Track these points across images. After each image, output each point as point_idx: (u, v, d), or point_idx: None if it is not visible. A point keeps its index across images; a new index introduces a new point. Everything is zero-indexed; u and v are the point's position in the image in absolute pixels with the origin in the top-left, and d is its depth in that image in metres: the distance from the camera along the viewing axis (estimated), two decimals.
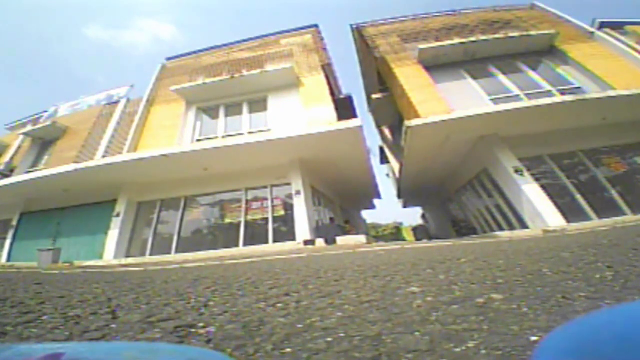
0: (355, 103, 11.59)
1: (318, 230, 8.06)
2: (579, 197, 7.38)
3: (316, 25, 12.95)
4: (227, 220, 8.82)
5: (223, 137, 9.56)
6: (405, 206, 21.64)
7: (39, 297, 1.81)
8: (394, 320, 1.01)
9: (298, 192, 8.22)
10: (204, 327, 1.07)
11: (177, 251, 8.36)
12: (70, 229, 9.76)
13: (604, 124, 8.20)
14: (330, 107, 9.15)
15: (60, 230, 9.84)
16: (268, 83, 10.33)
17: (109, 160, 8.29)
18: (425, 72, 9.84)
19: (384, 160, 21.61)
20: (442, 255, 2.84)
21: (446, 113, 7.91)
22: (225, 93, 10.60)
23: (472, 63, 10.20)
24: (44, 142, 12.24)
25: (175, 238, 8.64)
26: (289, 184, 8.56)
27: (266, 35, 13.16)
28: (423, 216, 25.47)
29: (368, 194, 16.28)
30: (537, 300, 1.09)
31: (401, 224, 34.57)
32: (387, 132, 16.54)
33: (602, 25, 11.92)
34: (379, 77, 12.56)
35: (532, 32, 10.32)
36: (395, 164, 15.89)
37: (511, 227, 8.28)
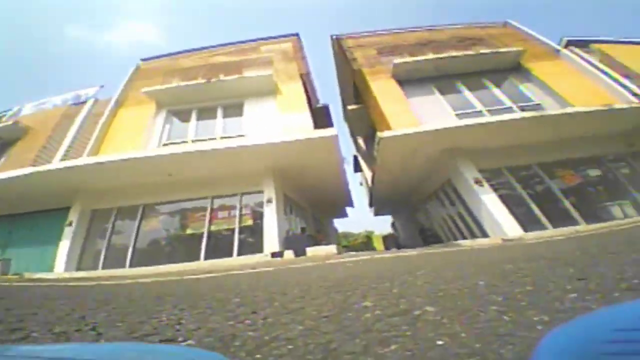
0: (332, 112, 11.90)
1: (288, 241, 7.91)
2: (534, 207, 8.03)
3: (297, 34, 13.21)
4: (189, 231, 8.37)
5: (193, 141, 9.32)
6: (376, 214, 22.15)
7: (10, 313, 1.82)
8: (343, 330, 1.22)
9: (270, 200, 8.09)
10: (184, 341, 1.22)
11: (131, 264, 7.84)
12: (21, 238, 9.12)
13: (560, 138, 8.89)
14: (307, 115, 9.34)
15: (12, 239, 9.16)
16: (245, 89, 10.34)
17: (67, 163, 7.83)
18: (398, 86, 10.36)
19: (357, 168, 22.20)
20: (405, 267, 3.13)
21: (415, 126, 8.41)
22: (199, 97, 10.44)
23: (442, 79, 10.85)
24: (4, 142, 11.35)
25: (130, 250, 8.12)
26: (260, 192, 8.43)
27: (247, 41, 13.24)
28: (393, 225, 26.12)
29: (341, 202, 16.58)
30: (457, 311, 1.35)
31: (372, 232, 35.24)
32: (361, 141, 17.05)
33: (569, 43, 12.76)
34: (354, 88, 13.00)
35: (501, 50, 11.00)
36: (368, 173, 16.30)
37: (473, 236, 8.87)
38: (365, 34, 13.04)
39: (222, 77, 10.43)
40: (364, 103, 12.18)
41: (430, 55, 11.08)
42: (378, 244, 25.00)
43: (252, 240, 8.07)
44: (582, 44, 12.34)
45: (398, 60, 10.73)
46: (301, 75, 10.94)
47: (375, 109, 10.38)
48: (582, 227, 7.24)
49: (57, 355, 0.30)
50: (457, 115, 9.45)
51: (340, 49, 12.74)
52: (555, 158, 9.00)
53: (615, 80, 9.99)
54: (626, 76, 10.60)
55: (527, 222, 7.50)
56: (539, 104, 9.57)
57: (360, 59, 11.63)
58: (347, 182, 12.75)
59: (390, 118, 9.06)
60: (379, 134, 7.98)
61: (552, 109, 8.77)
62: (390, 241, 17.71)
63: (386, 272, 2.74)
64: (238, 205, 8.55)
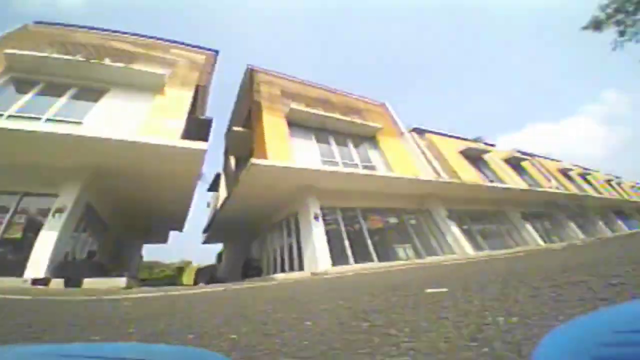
0: (214, 126, 10.88)
1: (63, 266, 6.63)
2: (346, 243, 9.95)
3: (216, 51, 13.29)
4: None
5: (9, 117, 7.52)
6: (206, 242, 19.53)
7: None
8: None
9: (60, 210, 6.61)
10: None
11: None
12: None
13: (380, 192, 11.90)
14: (181, 122, 8.86)
15: None
16: (123, 79, 9.47)
17: None
18: (287, 126, 11.86)
19: (213, 188, 20.76)
20: (175, 308, 3.25)
21: (288, 161, 9.83)
22: (59, 71, 9.02)
23: (321, 131, 13.11)
24: None
25: None
26: (54, 195, 6.90)
27: (161, 39, 12.60)
28: (219, 255, 23.79)
29: (169, 224, 14.93)
30: (149, 335, 2.26)
31: (189, 263, 31.44)
32: (232, 160, 17.22)
33: (413, 130, 17.39)
34: (248, 113, 13.87)
35: (368, 123, 14.39)
36: (223, 194, 15.95)
37: (292, 269, 10.10)
38: (278, 74, 14.29)
39: (107, 61, 9.57)
40: (251, 129, 13.06)
41: (321, 112, 13.27)
42: (189, 279, 22.27)
43: (12, 258, 6.58)
44: (421, 132, 17.49)
45: (295, 106, 12.38)
46: (197, 87, 11.08)
47: (259, 138, 11.33)
48: (375, 264, 9.46)
49: (55, 355, 0.30)
50: (322, 161, 11.61)
51: (250, 79, 13.50)
52: (371, 205, 11.90)
53: (428, 160, 14.76)
54: (436, 158, 15.54)
55: (338, 256, 9.30)
56: (374, 166, 12.89)
57: (264, 92, 12.66)
58: (191, 202, 11.94)
59: (269, 149, 10.11)
60: (253, 160, 8.55)
61: (380, 171, 12.06)
62: (203, 274, 16.54)
63: (146, 313, 2.90)
64: (12, 208, 6.75)
